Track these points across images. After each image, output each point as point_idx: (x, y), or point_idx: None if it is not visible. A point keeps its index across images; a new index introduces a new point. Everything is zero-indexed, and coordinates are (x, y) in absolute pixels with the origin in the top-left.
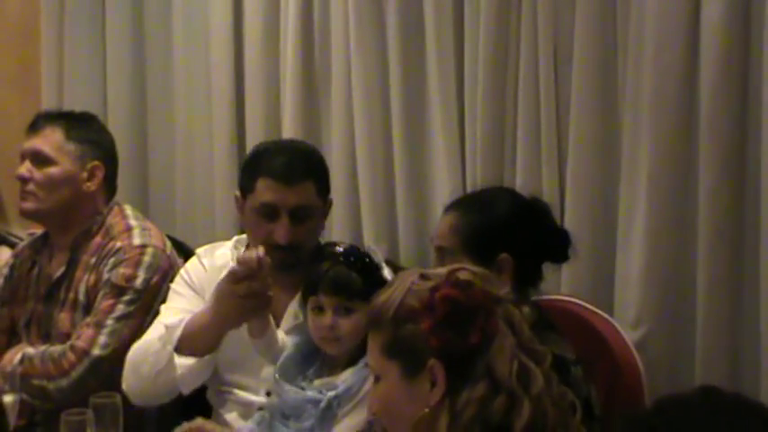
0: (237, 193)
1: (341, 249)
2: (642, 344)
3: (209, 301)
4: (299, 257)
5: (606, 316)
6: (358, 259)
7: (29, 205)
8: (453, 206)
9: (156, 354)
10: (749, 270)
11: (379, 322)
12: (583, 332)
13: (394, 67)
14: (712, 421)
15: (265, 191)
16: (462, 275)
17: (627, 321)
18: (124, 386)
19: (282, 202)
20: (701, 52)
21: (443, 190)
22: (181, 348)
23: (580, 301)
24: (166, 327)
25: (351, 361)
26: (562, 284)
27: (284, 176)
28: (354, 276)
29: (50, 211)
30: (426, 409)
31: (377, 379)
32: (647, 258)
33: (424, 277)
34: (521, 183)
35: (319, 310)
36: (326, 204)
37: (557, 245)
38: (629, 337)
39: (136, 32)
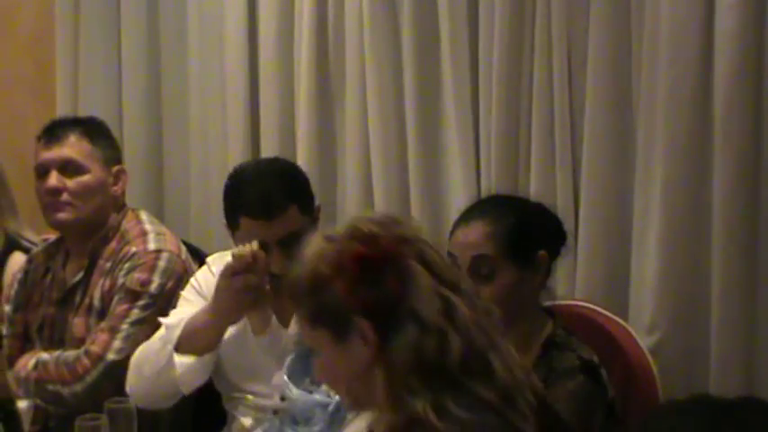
0: (225, 221)
1: None
2: (657, 349)
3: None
4: None
5: (621, 321)
6: None
7: (66, 216)
8: (473, 216)
9: (156, 353)
10: (764, 275)
11: (298, 295)
12: (597, 337)
13: (408, 72)
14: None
15: (249, 230)
16: (365, 228)
17: (641, 326)
18: (127, 388)
19: (268, 236)
20: (716, 58)
21: (458, 196)
22: (181, 347)
23: (595, 306)
24: (166, 326)
25: None
26: (577, 289)
27: (264, 211)
28: None
29: (87, 218)
30: (357, 369)
31: (314, 352)
32: (662, 263)
33: (329, 240)
34: (535, 188)
35: None
36: (314, 214)
37: (564, 238)
38: (644, 342)
39: (151, 37)
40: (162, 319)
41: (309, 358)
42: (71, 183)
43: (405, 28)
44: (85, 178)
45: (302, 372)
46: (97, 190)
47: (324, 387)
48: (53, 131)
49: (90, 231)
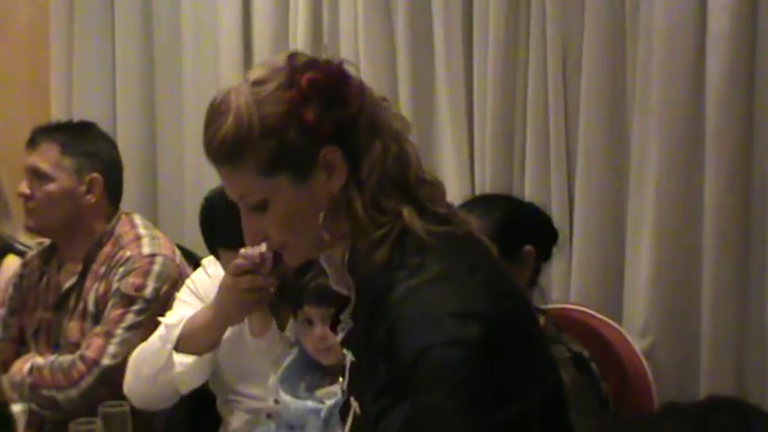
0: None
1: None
2: (650, 352)
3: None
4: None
5: (615, 324)
6: None
7: (31, 223)
8: (464, 212)
9: (155, 353)
10: (755, 279)
11: (242, 149)
12: (592, 340)
13: (403, 76)
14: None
15: (230, 260)
16: (300, 58)
17: (635, 330)
18: (125, 389)
19: None
20: (708, 61)
21: (452, 198)
22: (180, 347)
23: (589, 310)
24: (166, 326)
25: None
26: (571, 293)
27: (240, 242)
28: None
29: (53, 227)
30: (323, 205)
31: (262, 207)
32: (655, 267)
33: (259, 83)
34: (530, 190)
35: (309, 322)
36: None
37: (554, 236)
38: (638, 345)
39: (145, 40)
40: (162, 319)
41: (306, 367)
42: (37, 191)
43: (399, 31)
44: (49, 187)
45: (296, 378)
46: (61, 199)
47: (317, 393)
48: (32, 137)
49: (68, 238)
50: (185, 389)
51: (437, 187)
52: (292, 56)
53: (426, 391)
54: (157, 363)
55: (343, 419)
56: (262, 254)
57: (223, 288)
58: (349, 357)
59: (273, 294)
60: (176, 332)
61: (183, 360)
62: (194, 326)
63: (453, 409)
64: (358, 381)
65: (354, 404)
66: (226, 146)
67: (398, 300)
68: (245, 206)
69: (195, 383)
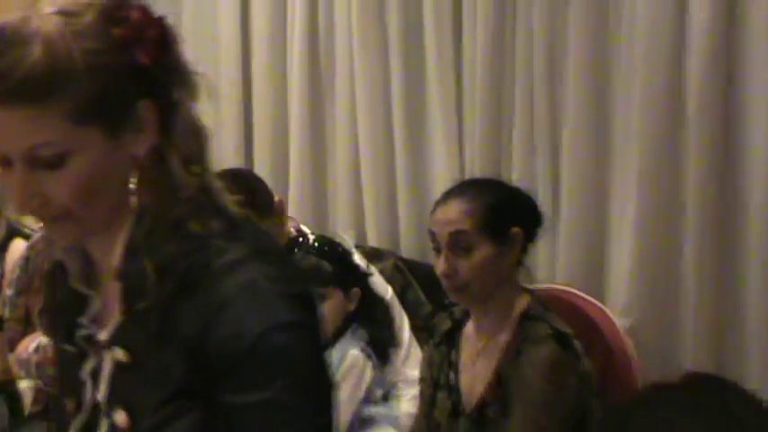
0: None
1: (310, 240)
2: (633, 330)
3: None
4: None
5: (598, 304)
6: (329, 248)
7: None
8: (452, 195)
9: None
10: (735, 259)
11: (54, 87)
12: (577, 319)
13: (395, 69)
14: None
15: None
16: None
17: (618, 309)
18: None
19: None
20: (688, 51)
21: (443, 185)
22: None
23: (574, 290)
24: None
25: (332, 341)
26: (557, 274)
27: None
28: (324, 264)
29: None
30: (129, 166)
31: (56, 164)
32: (638, 248)
33: (72, 14)
34: (517, 176)
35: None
36: (274, 211)
37: (539, 219)
38: (621, 323)
39: None
40: None
41: None
42: None
43: (391, 25)
44: None
45: None
46: None
47: None
48: None
49: None
50: None
51: (218, 171)
52: None
53: (263, 385)
54: None
55: None
56: None
57: None
58: (110, 360)
59: None
60: None
61: None
62: None
63: (295, 404)
64: (131, 386)
65: (119, 417)
66: (32, 81)
67: (215, 279)
68: (30, 162)
69: None
